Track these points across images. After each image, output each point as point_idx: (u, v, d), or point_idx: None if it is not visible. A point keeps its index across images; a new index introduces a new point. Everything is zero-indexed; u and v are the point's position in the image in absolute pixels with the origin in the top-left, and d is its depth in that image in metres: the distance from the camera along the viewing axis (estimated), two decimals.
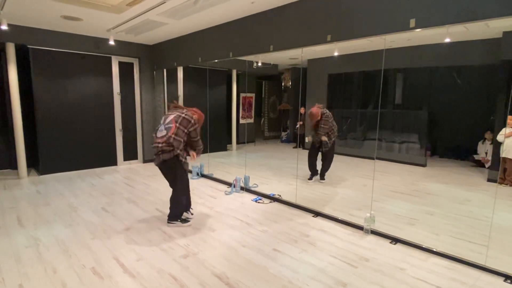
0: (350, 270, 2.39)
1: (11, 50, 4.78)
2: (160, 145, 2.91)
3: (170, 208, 3.20)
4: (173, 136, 2.91)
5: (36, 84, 5.09)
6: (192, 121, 3.00)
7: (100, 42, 5.55)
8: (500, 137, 4.18)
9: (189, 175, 5.35)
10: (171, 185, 3.19)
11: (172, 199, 3.17)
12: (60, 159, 5.43)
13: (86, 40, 5.42)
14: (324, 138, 4.58)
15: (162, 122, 3.04)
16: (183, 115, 2.99)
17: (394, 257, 2.60)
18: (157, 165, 3.02)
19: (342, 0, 3.16)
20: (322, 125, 4.53)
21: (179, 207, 3.21)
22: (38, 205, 3.78)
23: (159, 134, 2.98)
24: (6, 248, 2.68)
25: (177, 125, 2.93)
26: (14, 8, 3.90)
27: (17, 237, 2.90)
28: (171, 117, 2.98)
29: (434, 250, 2.65)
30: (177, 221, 3.20)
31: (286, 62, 7.51)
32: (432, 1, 2.54)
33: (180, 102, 6.68)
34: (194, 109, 3.19)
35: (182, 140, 2.96)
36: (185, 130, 2.97)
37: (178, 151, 2.94)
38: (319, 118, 4.53)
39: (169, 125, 2.94)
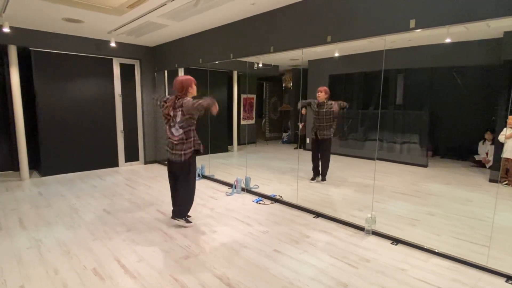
0: (351, 271, 2.39)
1: (13, 53, 4.81)
2: (176, 142, 3.02)
3: (180, 204, 3.19)
4: (186, 130, 3.00)
5: (38, 86, 5.12)
6: (190, 104, 2.90)
7: (101, 44, 5.58)
8: (501, 138, 4.17)
9: None
10: (177, 183, 3.18)
11: (184, 195, 3.17)
12: (61, 161, 5.45)
13: (87, 42, 5.44)
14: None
15: (174, 120, 3.00)
16: (184, 108, 2.94)
17: (395, 257, 2.60)
18: (173, 160, 3.07)
19: (342, 1, 3.17)
20: (325, 111, 4.67)
21: (189, 204, 3.24)
22: (39, 207, 3.79)
23: (175, 133, 3.02)
24: (7, 249, 2.69)
25: (185, 118, 2.96)
26: (16, 11, 3.92)
27: (18, 238, 2.91)
28: (179, 115, 2.97)
29: (436, 250, 2.64)
30: (183, 218, 3.21)
31: (286, 63, 7.51)
32: (432, 1, 2.54)
33: None
34: (184, 85, 3.05)
35: (194, 128, 3.06)
36: (194, 115, 2.99)
37: (194, 144, 3.05)
38: (327, 96, 4.65)
39: (181, 123, 2.98)
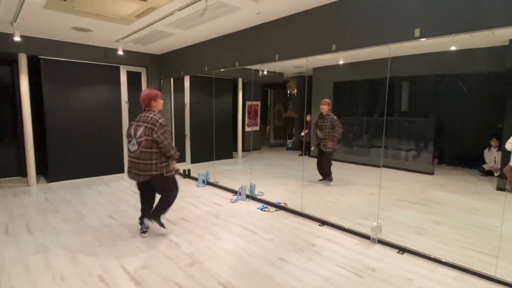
0: (357, 280, 2.37)
1: (23, 61, 4.91)
2: (135, 160, 2.88)
3: (157, 205, 3.13)
4: (143, 150, 2.84)
5: (46, 94, 5.21)
6: (156, 128, 2.82)
7: (109, 52, 5.67)
8: (508, 146, 4.13)
9: (195, 183, 5.38)
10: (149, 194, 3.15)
11: (165, 197, 3.11)
12: (68, 167, 5.50)
13: (95, 50, 5.54)
14: (320, 134, 4.89)
15: (132, 135, 2.89)
16: (149, 125, 2.83)
17: (402, 267, 2.57)
18: (135, 180, 2.98)
19: (347, 9, 3.20)
20: (328, 124, 4.82)
21: (169, 205, 3.13)
22: (46, 213, 3.83)
23: (131, 148, 2.90)
24: (15, 255, 2.72)
25: (145, 137, 2.84)
26: (27, 20, 4.02)
27: (25, 244, 2.94)
28: (140, 130, 2.86)
29: (442, 260, 2.61)
30: (158, 220, 3.10)
31: (291, 70, 7.55)
32: (436, 10, 2.56)
33: (187, 110, 6.76)
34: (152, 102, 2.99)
35: (153, 152, 2.86)
36: (151, 139, 2.83)
37: (157, 167, 2.88)
38: (328, 108, 4.80)
39: (140, 139, 2.85)
